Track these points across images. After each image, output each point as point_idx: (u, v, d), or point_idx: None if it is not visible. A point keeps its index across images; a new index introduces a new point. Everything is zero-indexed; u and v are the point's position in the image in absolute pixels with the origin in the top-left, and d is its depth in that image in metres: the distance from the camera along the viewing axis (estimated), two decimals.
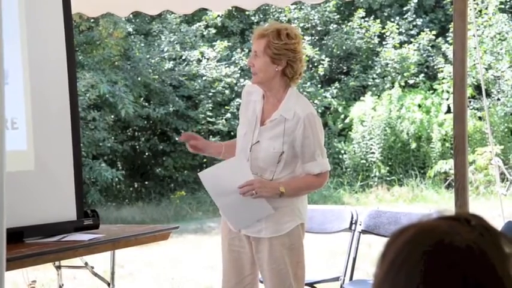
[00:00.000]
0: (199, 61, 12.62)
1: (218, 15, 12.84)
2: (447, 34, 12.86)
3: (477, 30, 11.73)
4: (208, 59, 12.60)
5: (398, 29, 13.34)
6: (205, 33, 12.88)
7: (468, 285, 0.88)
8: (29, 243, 3.14)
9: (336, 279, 4.04)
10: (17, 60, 3.34)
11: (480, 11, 12.64)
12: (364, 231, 4.14)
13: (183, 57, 12.58)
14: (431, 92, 12.97)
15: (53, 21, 3.50)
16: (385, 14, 13.78)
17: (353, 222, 4.15)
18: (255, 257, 3.09)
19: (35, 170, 3.35)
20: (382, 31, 13.33)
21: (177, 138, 3.02)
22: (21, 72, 3.36)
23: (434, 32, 13.23)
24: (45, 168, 3.39)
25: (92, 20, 11.26)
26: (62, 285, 3.91)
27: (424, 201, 11.17)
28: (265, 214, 2.99)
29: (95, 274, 3.70)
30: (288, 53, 2.98)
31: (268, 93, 3.06)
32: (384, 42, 13.32)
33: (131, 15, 11.25)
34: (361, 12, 13.31)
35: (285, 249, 3.01)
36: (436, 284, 0.88)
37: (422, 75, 13.14)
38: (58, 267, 3.86)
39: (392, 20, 13.56)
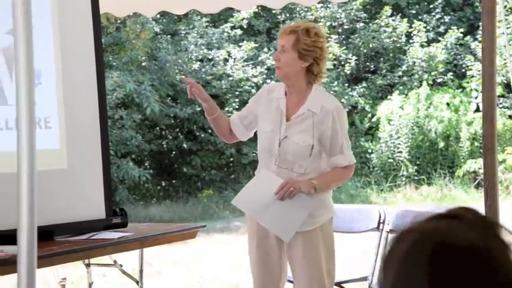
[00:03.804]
0: (226, 61, 12.64)
1: (244, 18, 12.85)
2: (476, 32, 12.71)
3: (507, 27, 11.57)
4: (235, 59, 12.62)
5: (425, 27, 13.22)
6: (231, 34, 12.90)
7: (476, 282, 0.86)
8: (59, 241, 3.17)
9: (364, 279, 4.02)
10: (50, 61, 3.38)
11: (511, 8, 12.47)
12: (392, 231, 4.11)
13: (210, 57, 12.61)
14: (459, 90, 12.84)
15: (82, 22, 3.54)
16: (413, 12, 13.67)
17: (381, 221, 4.12)
18: (286, 253, 3.09)
19: (68, 168, 3.39)
20: (409, 29, 13.22)
21: (192, 97, 3.00)
22: (53, 73, 3.40)
23: (462, 30, 13.08)
24: (76, 167, 3.43)
25: (119, 21, 11.35)
26: (92, 283, 3.95)
27: (452, 201, 11.06)
28: (309, 209, 2.99)
29: (124, 272, 3.73)
30: (316, 50, 3.04)
31: (291, 90, 3.10)
32: (411, 41, 13.21)
33: (158, 15, 11.31)
34: (388, 10, 13.22)
35: (319, 242, 3.03)
36: (445, 286, 0.86)
37: (451, 73, 13.00)
38: (88, 265, 3.89)
39: (419, 18, 13.44)
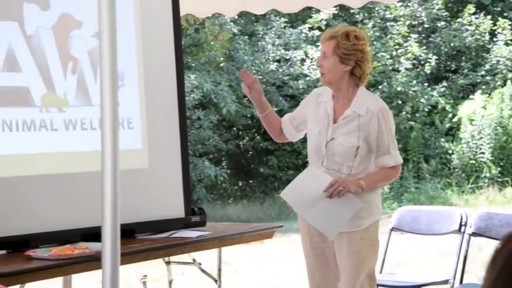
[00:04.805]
0: (303, 61, 12.63)
1: (322, 20, 12.78)
2: None
3: None
4: (312, 59, 12.59)
5: (510, 24, 12.79)
6: (309, 35, 12.86)
7: None
8: (140, 239, 3.24)
9: (445, 282, 3.92)
10: (132, 63, 3.47)
11: None
12: (474, 234, 4.00)
13: (287, 58, 12.62)
14: None
15: (163, 25, 3.61)
16: (497, 9, 13.25)
17: (462, 224, 4.02)
18: (336, 251, 3.13)
19: (149, 168, 3.47)
20: (494, 27, 12.82)
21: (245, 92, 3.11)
22: (136, 74, 3.48)
23: None
24: (156, 166, 3.50)
25: (198, 23, 11.51)
26: (172, 280, 4.02)
27: None
28: (355, 209, 3.03)
29: (203, 271, 3.78)
30: (356, 53, 3.11)
31: (338, 93, 3.15)
32: (494, 39, 12.81)
33: (236, 16, 11.42)
34: (471, 8, 12.87)
35: (364, 244, 3.08)
36: None
37: None
38: (167, 263, 3.97)
39: (505, 15, 13.02)
